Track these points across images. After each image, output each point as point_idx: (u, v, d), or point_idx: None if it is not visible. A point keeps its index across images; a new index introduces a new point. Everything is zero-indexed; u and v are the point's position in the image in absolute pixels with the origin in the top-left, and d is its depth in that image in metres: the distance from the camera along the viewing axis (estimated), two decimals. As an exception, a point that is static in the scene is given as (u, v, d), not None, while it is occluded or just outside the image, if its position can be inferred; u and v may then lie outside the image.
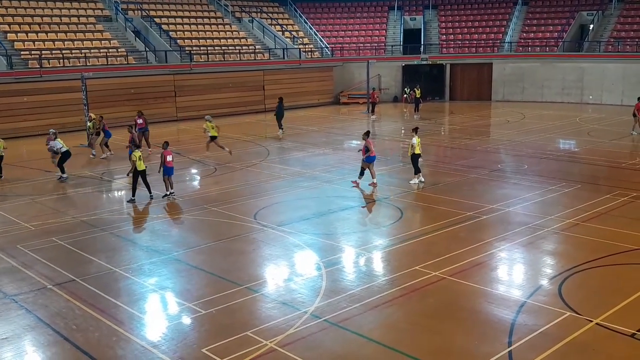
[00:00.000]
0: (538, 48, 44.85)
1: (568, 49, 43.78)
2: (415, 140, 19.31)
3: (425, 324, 10.08)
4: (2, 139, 22.55)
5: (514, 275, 12.36)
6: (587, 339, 9.44)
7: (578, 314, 10.20)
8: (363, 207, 17.72)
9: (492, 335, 9.61)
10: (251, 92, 40.56)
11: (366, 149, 18.99)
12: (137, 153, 17.75)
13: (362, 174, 19.32)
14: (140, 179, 17.98)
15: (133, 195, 18.02)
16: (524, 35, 46.40)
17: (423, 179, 19.59)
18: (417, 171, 19.54)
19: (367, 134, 19.52)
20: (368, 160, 19.08)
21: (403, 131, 32.71)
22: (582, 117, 35.60)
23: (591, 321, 9.94)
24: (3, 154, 21.88)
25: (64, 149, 21.27)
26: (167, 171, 18.11)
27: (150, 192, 18.23)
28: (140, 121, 25.59)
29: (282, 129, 30.20)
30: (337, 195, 18.56)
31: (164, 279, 12.32)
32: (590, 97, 41.70)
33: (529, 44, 45.54)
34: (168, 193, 18.26)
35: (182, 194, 18.88)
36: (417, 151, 19.40)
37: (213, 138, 24.56)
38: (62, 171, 21.28)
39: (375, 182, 19.21)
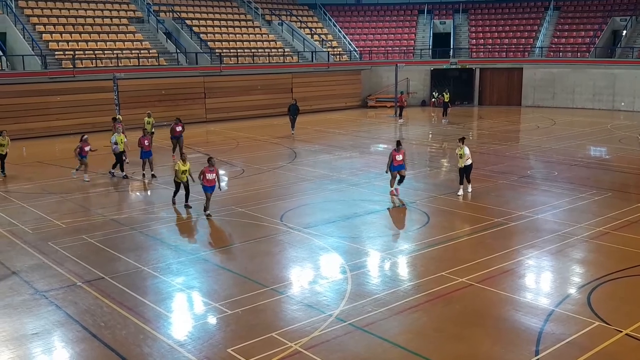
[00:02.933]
0: (569, 53, 44.28)
1: (600, 55, 43.14)
2: (467, 150, 18.41)
3: (451, 330, 10.01)
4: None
5: (542, 283, 12.21)
6: (616, 349, 9.29)
7: (607, 324, 10.04)
8: (391, 208, 17.62)
9: (518, 344, 9.51)
10: (279, 94, 40.71)
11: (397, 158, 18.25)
12: (182, 166, 17.12)
13: (400, 181, 18.60)
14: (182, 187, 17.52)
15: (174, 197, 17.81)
16: (555, 40, 45.85)
17: (462, 193, 18.58)
18: (461, 181, 18.73)
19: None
20: (393, 169, 18.43)
21: (431, 135, 32.56)
22: (613, 123, 35.04)
23: (621, 332, 9.77)
24: (2, 152, 21.97)
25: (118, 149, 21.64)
26: (205, 189, 16.61)
27: (186, 201, 17.58)
28: (179, 128, 24.95)
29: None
30: (363, 198, 18.55)
31: (191, 278, 12.44)
32: (622, 103, 41.04)
33: (560, 49, 44.99)
34: (206, 213, 16.79)
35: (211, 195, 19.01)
36: (467, 162, 18.42)
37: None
38: (121, 169, 22.00)
39: (392, 190, 18.57)
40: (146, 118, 26.38)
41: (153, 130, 26.09)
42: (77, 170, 21.44)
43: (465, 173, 18.66)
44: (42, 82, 31.65)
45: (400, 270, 12.96)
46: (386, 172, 18.75)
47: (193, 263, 13.25)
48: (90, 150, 21.29)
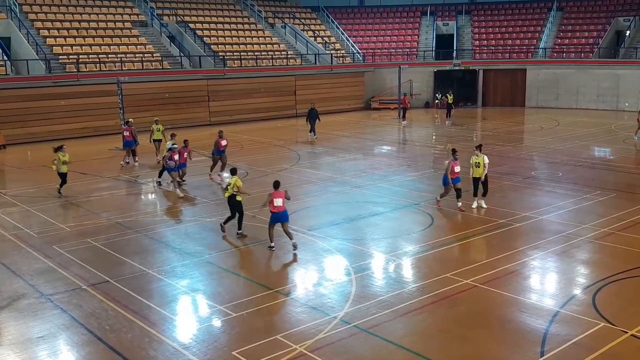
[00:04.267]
0: (573, 54, 44.19)
1: (603, 56, 43.05)
2: (487, 159, 17.14)
3: (456, 332, 10.00)
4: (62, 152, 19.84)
5: (547, 284, 12.19)
6: (622, 350, 9.27)
7: (613, 325, 10.01)
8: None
9: (523, 345, 9.49)
10: (283, 97, 40.79)
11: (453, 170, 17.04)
12: (237, 181, 14.84)
13: (459, 195, 17.24)
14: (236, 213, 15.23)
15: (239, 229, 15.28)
16: (558, 41, 45.78)
17: (476, 205, 17.39)
18: (475, 193, 17.44)
19: (454, 152, 17.31)
20: (452, 182, 17.03)
21: (434, 137, 32.54)
22: (617, 124, 34.94)
23: (626, 332, 9.75)
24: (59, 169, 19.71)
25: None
26: (275, 217, 13.91)
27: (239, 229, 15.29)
28: (224, 142, 22.01)
29: (313, 132, 30.99)
30: (367, 200, 18.54)
31: (195, 281, 12.46)
32: (626, 104, 40.92)
33: (563, 50, 44.91)
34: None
35: (215, 197, 19.05)
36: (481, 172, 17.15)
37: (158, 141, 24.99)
38: (159, 175, 21.18)
39: (438, 200, 17.45)
40: (154, 126, 25.18)
41: (162, 137, 25.04)
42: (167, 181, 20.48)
43: (482, 184, 17.22)
44: (47, 86, 31.73)
45: (405, 272, 12.95)
46: (446, 184, 17.21)
47: (197, 266, 13.27)
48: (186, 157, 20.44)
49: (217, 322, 10.57)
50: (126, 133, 24.56)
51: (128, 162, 24.67)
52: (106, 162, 25.38)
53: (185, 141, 20.81)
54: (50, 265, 13.34)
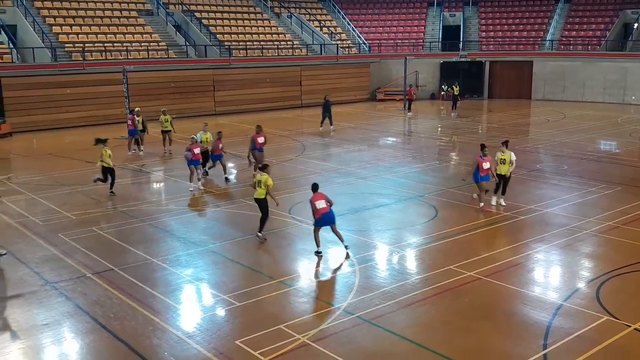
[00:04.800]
0: (580, 47, 43.95)
1: (611, 48, 42.80)
2: (514, 156, 16.29)
3: (459, 323, 10.02)
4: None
5: (551, 277, 12.19)
6: (625, 343, 9.27)
7: (616, 319, 10.01)
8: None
9: (527, 337, 9.50)
10: (288, 87, 40.74)
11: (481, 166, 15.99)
12: (267, 180, 13.89)
13: (498, 191, 16.46)
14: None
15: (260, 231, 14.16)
16: (565, 34, 45.53)
17: (495, 203, 16.56)
18: (497, 189, 16.56)
19: (482, 147, 16.21)
20: (481, 179, 16.06)
21: (440, 129, 32.47)
22: (623, 117, 34.79)
23: (629, 326, 9.75)
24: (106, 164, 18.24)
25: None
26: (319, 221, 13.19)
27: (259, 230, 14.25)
28: (261, 139, 20.43)
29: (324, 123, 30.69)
30: (372, 192, 18.53)
31: (199, 270, 12.50)
32: (633, 97, 40.73)
33: (570, 42, 44.66)
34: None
35: (219, 187, 19.08)
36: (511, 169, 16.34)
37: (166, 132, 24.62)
38: (203, 166, 19.98)
39: (483, 205, 16.27)
40: (162, 116, 24.59)
41: (171, 127, 24.65)
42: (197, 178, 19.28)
43: (503, 182, 16.40)
44: (52, 74, 31.76)
45: (409, 263, 12.96)
46: (463, 180, 16.79)
47: (202, 255, 13.31)
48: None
49: (220, 312, 10.61)
50: (129, 122, 24.62)
51: (134, 151, 24.69)
52: (112, 151, 25.37)
53: (219, 133, 19.93)
54: (55, 253, 13.40)
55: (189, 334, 9.74)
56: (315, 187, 13.29)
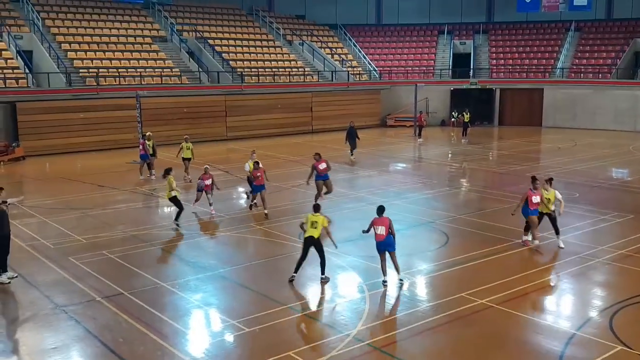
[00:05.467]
0: (591, 74, 44.01)
1: (622, 77, 42.80)
2: (559, 195, 15.24)
3: (471, 353, 9.90)
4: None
5: (563, 306, 12.06)
6: (640, 375, 9.12)
7: (630, 349, 9.86)
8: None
9: (539, 367, 9.38)
10: (300, 113, 40.95)
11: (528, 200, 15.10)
12: (324, 221, 12.93)
13: (528, 229, 15.53)
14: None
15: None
16: (576, 62, 45.63)
17: (538, 243, 15.39)
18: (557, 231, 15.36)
19: (533, 180, 15.24)
20: (530, 213, 15.16)
21: (450, 155, 32.45)
22: (635, 145, 34.63)
23: (644, 357, 9.60)
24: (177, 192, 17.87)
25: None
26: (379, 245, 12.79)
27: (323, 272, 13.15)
28: (322, 166, 19.82)
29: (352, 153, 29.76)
30: (383, 218, 18.44)
31: (209, 295, 12.47)
32: (645, 125, 40.62)
33: (581, 70, 44.74)
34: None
35: (229, 211, 19.10)
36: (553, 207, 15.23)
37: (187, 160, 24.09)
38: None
39: (534, 242, 15.30)
40: (184, 143, 24.14)
41: (191, 155, 24.24)
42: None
43: (551, 221, 15.25)
44: (66, 99, 32.13)
45: (419, 290, 12.86)
46: (512, 214, 15.63)
47: (211, 280, 13.28)
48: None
49: (229, 337, 10.55)
50: (140, 146, 24.80)
51: (150, 175, 24.62)
52: (123, 175, 25.54)
53: (256, 163, 18.89)
54: (66, 276, 13.42)
55: (198, 360, 9.69)
56: (380, 210, 12.75)
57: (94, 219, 18.51)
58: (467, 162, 29.12)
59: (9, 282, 12.82)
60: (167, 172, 17.92)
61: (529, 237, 15.49)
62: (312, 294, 12.62)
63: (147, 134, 25.62)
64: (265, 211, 18.47)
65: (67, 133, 31.98)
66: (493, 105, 45.80)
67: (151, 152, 24.83)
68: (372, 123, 44.80)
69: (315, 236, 12.64)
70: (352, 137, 29.91)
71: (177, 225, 17.43)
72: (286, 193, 22.07)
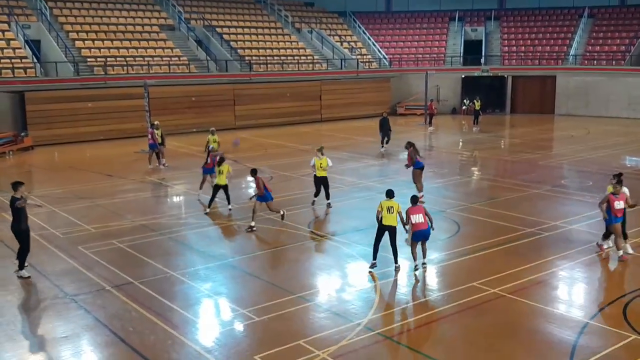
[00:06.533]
0: (604, 61, 43.50)
1: (635, 63, 42.27)
2: (626, 190, 13.56)
3: (482, 342, 9.79)
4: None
5: (576, 295, 11.90)
6: (655, 365, 8.98)
7: (645, 339, 9.72)
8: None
9: (552, 357, 9.26)
10: (308, 102, 40.75)
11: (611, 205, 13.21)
12: (390, 203, 12.70)
13: (608, 236, 13.78)
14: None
15: None
16: (589, 48, 45.10)
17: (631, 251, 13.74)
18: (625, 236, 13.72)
19: (619, 179, 13.67)
20: (614, 221, 13.20)
21: (461, 144, 32.20)
22: (649, 133, 34.27)
23: (659, 347, 9.45)
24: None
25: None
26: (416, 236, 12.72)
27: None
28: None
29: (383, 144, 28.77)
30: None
31: (218, 284, 12.41)
32: (659, 113, 40.15)
33: (594, 57, 44.21)
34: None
35: (239, 201, 19.02)
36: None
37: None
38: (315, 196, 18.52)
39: (619, 253, 13.31)
40: (210, 136, 23.09)
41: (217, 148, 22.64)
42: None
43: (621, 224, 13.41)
44: (74, 88, 32.12)
45: (430, 279, 12.74)
46: (605, 220, 13.36)
47: (221, 269, 13.23)
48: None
49: (239, 326, 10.50)
50: (149, 136, 24.76)
51: (162, 164, 24.61)
52: (132, 164, 25.53)
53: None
54: (75, 265, 13.40)
55: (208, 349, 9.63)
56: (414, 200, 12.76)
57: (103, 208, 18.49)
58: (478, 151, 28.89)
59: (29, 277, 12.72)
60: (223, 159, 17.79)
61: (610, 245, 13.75)
62: (322, 283, 12.53)
63: (155, 122, 25.55)
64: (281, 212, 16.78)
65: (75, 122, 31.95)
66: (505, 93, 45.38)
67: (160, 141, 24.76)
68: (382, 111, 44.46)
69: (394, 224, 12.46)
70: (384, 128, 28.87)
71: (230, 209, 17.69)
72: (294, 182, 21.96)
